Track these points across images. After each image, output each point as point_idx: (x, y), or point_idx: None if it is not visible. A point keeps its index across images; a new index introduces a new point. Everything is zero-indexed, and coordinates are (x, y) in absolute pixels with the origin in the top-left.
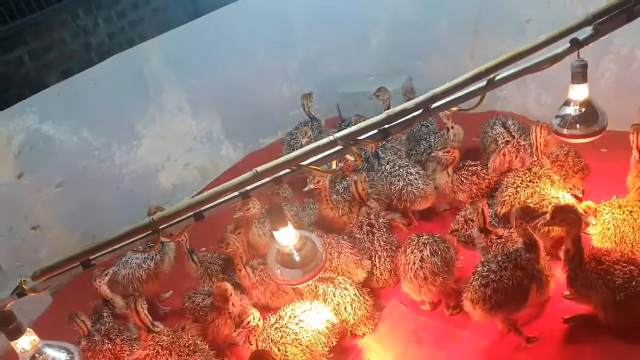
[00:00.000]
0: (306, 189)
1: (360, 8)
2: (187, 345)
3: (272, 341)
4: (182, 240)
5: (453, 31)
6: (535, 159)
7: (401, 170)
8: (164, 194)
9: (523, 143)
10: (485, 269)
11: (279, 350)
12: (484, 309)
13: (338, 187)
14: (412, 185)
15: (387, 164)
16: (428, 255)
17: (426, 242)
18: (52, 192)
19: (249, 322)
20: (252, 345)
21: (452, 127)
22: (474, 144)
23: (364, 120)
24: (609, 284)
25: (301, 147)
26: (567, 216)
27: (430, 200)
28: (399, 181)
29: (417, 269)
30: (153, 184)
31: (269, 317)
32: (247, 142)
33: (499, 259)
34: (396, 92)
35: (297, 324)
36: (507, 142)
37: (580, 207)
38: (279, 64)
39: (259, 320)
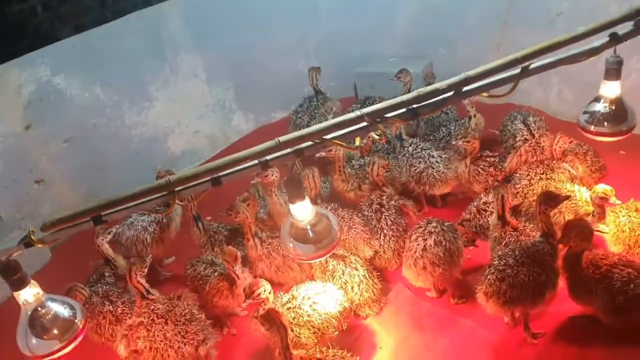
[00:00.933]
0: (318, 154)
1: None
2: (182, 314)
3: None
4: (190, 205)
5: (481, 20)
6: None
7: (423, 152)
8: (171, 159)
9: (542, 144)
10: (502, 262)
11: (292, 330)
12: (497, 302)
13: (354, 162)
14: (433, 168)
15: (410, 146)
16: (431, 245)
17: (432, 230)
18: (58, 146)
19: (259, 294)
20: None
21: (475, 116)
22: (492, 134)
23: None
24: (607, 287)
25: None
26: (580, 231)
27: (450, 185)
28: (419, 163)
29: (418, 257)
30: (161, 147)
31: (280, 294)
32: (258, 114)
33: (517, 252)
34: (416, 75)
35: (311, 305)
36: (525, 140)
37: (598, 191)
38: (299, 38)
39: (270, 293)
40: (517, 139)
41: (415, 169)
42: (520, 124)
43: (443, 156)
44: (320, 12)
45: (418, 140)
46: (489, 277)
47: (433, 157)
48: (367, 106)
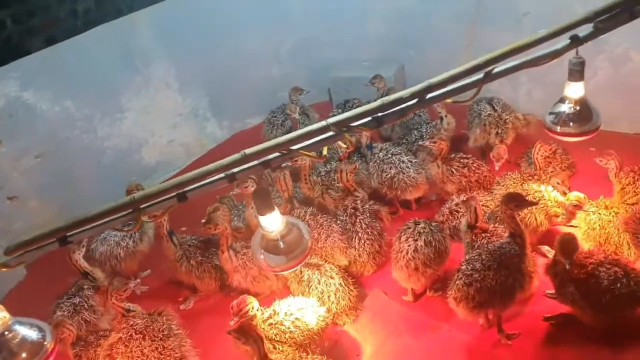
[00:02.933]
0: (283, 164)
1: None
2: (161, 329)
3: (266, 338)
4: (162, 221)
5: (450, 22)
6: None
7: (393, 157)
8: (146, 169)
9: (505, 117)
10: (469, 267)
11: (274, 347)
12: (466, 307)
13: (321, 169)
14: (404, 173)
15: (380, 151)
16: (422, 246)
17: (422, 230)
18: (31, 162)
19: (247, 311)
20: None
21: (446, 116)
22: (464, 135)
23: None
24: (594, 287)
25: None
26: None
27: (421, 190)
28: (390, 169)
29: (410, 258)
30: (135, 159)
31: (261, 309)
32: (233, 121)
33: (483, 256)
34: (388, 79)
35: (293, 322)
36: (489, 115)
37: (571, 199)
38: (271, 44)
39: (257, 309)
40: (482, 115)
41: (387, 175)
42: (485, 104)
43: (413, 161)
44: (292, 18)
45: (388, 146)
46: (457, 282)
47: (403, 162)
48: (348, 109)
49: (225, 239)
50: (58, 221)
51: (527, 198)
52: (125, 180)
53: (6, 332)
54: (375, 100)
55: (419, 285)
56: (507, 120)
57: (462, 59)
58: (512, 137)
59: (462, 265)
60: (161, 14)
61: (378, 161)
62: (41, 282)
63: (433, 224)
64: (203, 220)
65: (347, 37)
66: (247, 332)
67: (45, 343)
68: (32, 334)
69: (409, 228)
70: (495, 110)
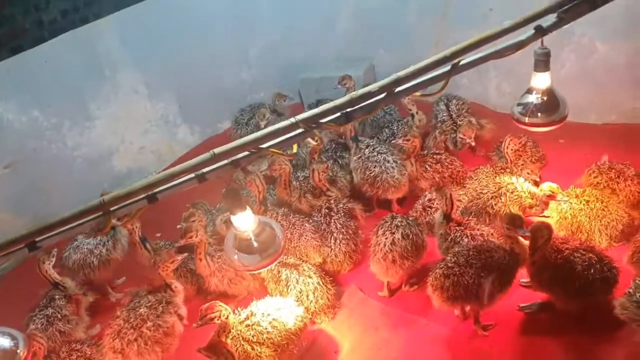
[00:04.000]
0: (263, 171)
1: None
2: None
3: (243, 339)
4: (134, 228)
5: (418, 19)
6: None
7: (379, 156)
8: (118, 177)
9: (459, 122)
10: (453, 260)
11: (252, 349)
12: (440, 297)
13: (299, 173)
14: (388, 173)
15: (366, 148)
16: (399, 239)
17: (399, 224)
18: None
19: (212, 317)
20: (222, 338)
21: (417, 113)
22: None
23: None
24: (569, 272)
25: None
26: (549, 235)
27: (402, 191)
28: (374, 167)
29: (387, 251)
30: (106, 167)
31: (238, 311)
32: (204, 126)
33: (470, 252)
34: (358, 78)
35: (270, 322)
36: (443, 122)
37: (544, 190)
38: (239, 47)
39: (227, 317)
40: (438, 119)
41: (370, 173)
42: (442, 106)
43: (398, 161)
44: (260, 20)
45: (375, 143)
46: (437, 270)
47: (388, 162)
48: None
49: (203, 247)
50: (27, 228)
51: (521, 228)
52: (98, 189)
53: None
54: None
55: (397, 277)
56: (462, 126)
57: (431, 55)
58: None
59: (449, 256)
60: (127, 20)
61: (363, 158)
62: (13, 295)
63: (410, 218)
64: (179, 226)
65: (316, 37)
66: (217, 349)
67: (18, 351)
68: (4, 342)
69: (386, 222)
70: (451, 117)
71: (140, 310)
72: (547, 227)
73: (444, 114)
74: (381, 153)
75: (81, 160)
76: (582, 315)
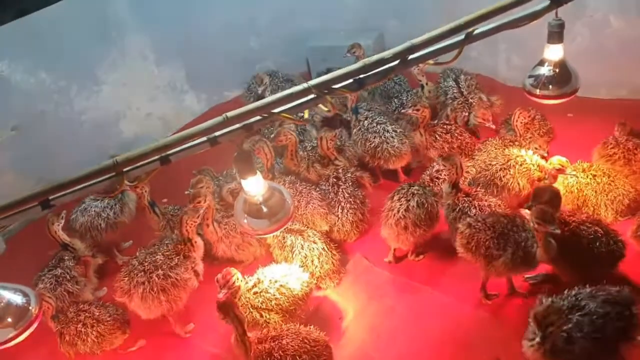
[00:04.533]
0: (271, 141)
1: None
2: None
3: (252, 306)
4: (143, 192)
5: None
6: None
7: (378, 126)
8: (125, 143)
9: (470, 100)
10: (480, 217)
11: (261, 316)
12: (461, 242)
13: (306, 144)
14: (388, 143)
15: (365, 120)
16: (413, 206)
17: (415, 192)
18: (6, 134)
19: (234, 282)
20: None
21: (427, 84)
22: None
23: None
24: (575, 245)
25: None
26: (551, 196)
27: (404, 160)
28: (374, 138)
29: (400, 217)
30: (113, 132)
31: (245, 278)
32: (211, 93)
33: (491, 219)
34: (367, 48)
35: (278, 289)
36: (454, 98)
37: (554, 163)
38: (248, 15)
39: (241, 280)
40: (448, 96)
41: (370, 144)
42: (451, 82)
43: (398, 130)
44: None
45: (374, 114)
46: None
47: (388, 131)
48: None
49: (210, 212)
50: (40, 186)
51: (552, 224)
52: (104, 154)
53: None
54: None
55: (407, 245)
56: (473, 104)
57: (442, 26)
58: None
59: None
60: None
61: (363, 130)
62: (22, 255)
63: (427, 187)
64: (187, 192)
65: (325, 6)
66: (227, 309)
67: (30, 308)
68: (17, 298)
69: (403, 189)
70: (462, 94)
71: (157, 257)
72: (552, 191)
73: (454, 91)
74: (380, 123)
75: (88, 125)
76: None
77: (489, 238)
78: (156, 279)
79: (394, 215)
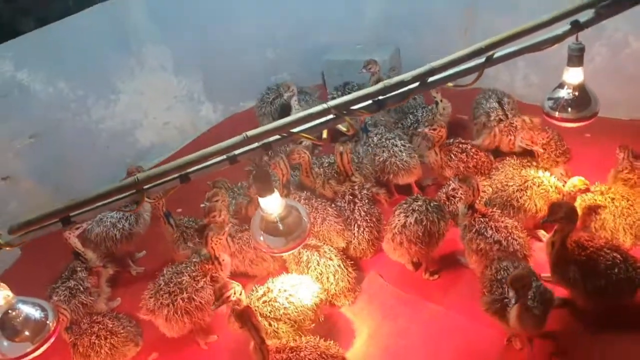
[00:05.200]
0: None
1: None
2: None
3: (260, 315)
4: (159, 203)
5: (447, 5)
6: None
7: (387, 142)
8: (141, 151)
9: (515, 124)
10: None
11: (270, 325)
12: None
13: (323, 159)
14: (396, 157)
15: (375, 136)
16: (411, 222)
17: (416, 208)
18: (24, 142)
19: (229, 296)
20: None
21: (441, 101)
22: (461, 120)
23: None
24: (592, 270)
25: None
26: (567, 212)
27: (414, 174)
28: (383, 152)
29: (396, 232)
30: (130, 141)
31: (256, 287)
32: (227, 104)
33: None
34: (383, 63)
35: (287, 298)
36: (500, 120)
37: (576, 184)
38: (266, 27)
39: (241, 294)
40: (492, 118)
41: (379, 158)
42: (494, 103)
43: (407, 145)
44: (288, 1)
45: (383, 130)
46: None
47: (396, 146)
48: (347, 92)
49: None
50: (53, 202)
51: (525, 293)
52: (120, 162)
53: (10, 311)
54: (370, 84)
55: (405, 260)
56: (518, 127)
57: (459, 43)
58: None
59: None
60: None
61: (372, 145)
62: (36, 261)
63: (433, 203)
64: (203, 205)
65: (342, 20)
66: (245, 318)
67: (48, 322)
68: (35, 313)
69: (405, 203)
70: (507, 117)
71: (183, 278)
72: (567, 206)
73: (499, 113)
74: (389, 139)
75: (105, 134)
76: (602, 313)
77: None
78: (180, 302)
79: (391, 230)
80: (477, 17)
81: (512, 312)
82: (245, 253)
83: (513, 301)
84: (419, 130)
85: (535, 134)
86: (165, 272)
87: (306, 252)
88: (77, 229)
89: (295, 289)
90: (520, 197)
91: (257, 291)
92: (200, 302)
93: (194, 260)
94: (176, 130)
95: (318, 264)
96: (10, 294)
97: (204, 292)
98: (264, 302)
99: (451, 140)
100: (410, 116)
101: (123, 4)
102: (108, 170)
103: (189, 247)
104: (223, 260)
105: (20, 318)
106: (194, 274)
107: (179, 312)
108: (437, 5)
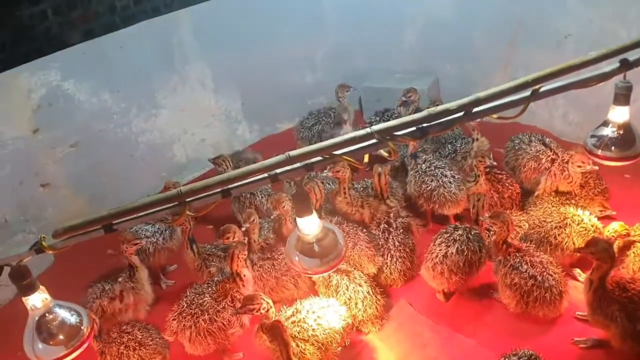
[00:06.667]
0: (324, 173)
1: (397, 3)
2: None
3: (289, 335)
4: (188, 226)
5: (488, 39)
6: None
7: (436, 170)
8: (177, 166)
9: (566, 159)
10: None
11: (297, 345)
12: None
13: (357, 185)
14: (444, 188)
15: (423, 163)
16: (452, 253)
17: (457, 238)
18: (65, 151)
19: (254, 309)
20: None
21: (477, 139)
22: (496, 153)
23: None
24: (631, 313)
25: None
26: (600, 249)
27: (460, 206)
28: (431, 181)
29: (437, 262)
30: (167, 155)
31: (284, 308)
32: (263, 124)
33: None
34: (422, 92)
35: (315, 320)
36: (553, 161)
37: (618, 230)
38: (306, 50)
39: (268, 310)
40: (543, 160)
41: (427, 187)
42: (540, 145)
43: (456, 176)
44: (327, 25)
45: (432, 158)
46: None
47: (446, 176)
48: (386, 119)
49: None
50: (86, 211)
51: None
52: (156, 175)
53: (47, 314)
54: (409, 113)
55: (443, 288)
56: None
57: (499, 76)
58: None
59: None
60: (200, 15)
61: (420, 172)
62: (69, 267)
63: (473, 232)
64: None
65: (382, 47)
66: (275, 332)
67: (82, 327)
68: (70, 317)
69: (447, 232)
70: (558, 155)
71: (204, 299)
72: (604, 242)
73: (549, 153)
74: (439, 168)
75: (143, 146)
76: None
77: None
78: (202, 323)
79: (432, 259)
80: (517, 52)
81: None
82: (266, 281)
83: None
84: (468, 164)
85: (584, 155)
86: (188, 293)
87: (336, 275)
88: (134, 245)
89: (324, 312)
90: (559, 235)
91: (285, 311)
92: (222, 323)
93: (216, 279)
94: (212, 147)
95: (347, 289)
96: (49, 297)
97: (225, 312)
98: (293, 322)
99: (487, 169)
100: (449, 146)
101: (170, 22)
102: (143, 182)
103: (210, 274)
104: (244, 275)
105: (57, 322)
106: (214, 295)
107: (202, 334)
108: (478, 37)
